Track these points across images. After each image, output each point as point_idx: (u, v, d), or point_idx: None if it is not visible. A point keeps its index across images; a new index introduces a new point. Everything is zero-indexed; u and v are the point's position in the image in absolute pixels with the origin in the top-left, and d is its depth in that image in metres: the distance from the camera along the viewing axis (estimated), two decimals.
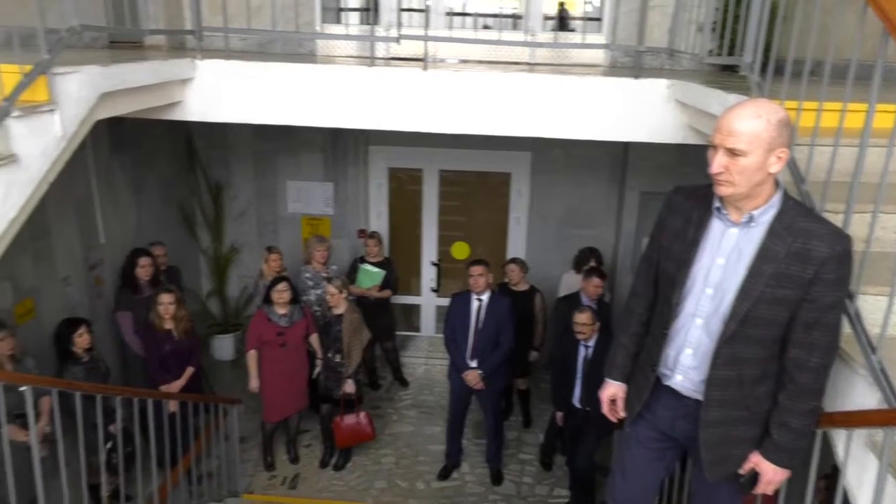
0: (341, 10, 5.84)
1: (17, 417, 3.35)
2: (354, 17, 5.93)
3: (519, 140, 3.89)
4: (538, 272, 6.22)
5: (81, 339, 4.38)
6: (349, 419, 5.31)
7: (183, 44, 5.29)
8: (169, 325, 4.89)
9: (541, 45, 4.82)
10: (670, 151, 5.62)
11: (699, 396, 2.10)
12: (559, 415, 5.13)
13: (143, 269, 5.22)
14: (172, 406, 4.41)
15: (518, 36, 5.34)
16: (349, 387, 5.23)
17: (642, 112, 3.63)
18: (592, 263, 5.73)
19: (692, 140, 3.57)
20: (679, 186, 2.16)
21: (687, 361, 2.10)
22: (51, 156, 2.57)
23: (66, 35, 2.75)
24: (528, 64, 4.54)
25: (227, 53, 3.83)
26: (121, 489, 4.22)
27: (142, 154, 6.00)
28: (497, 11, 4.80)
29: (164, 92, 3.49)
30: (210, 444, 5.19)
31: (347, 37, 4.96)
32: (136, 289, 5.22)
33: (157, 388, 4.73)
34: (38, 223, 4.51)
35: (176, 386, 4.88)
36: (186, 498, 4.52)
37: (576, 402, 4.85)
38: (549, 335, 5.67)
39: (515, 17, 5.82)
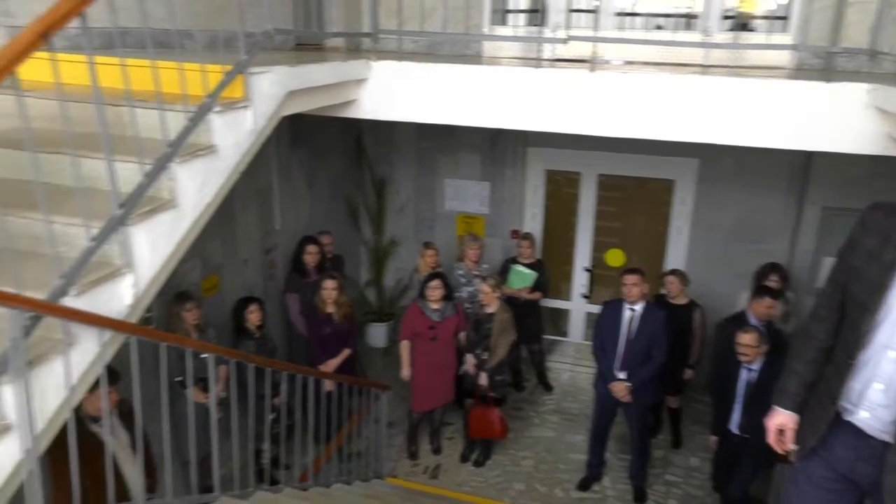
0: (507, 11, 5.89)
1: (199, 381, 3.74)
2: (520, 19, 5.95)
3: (685, 146, 3.68)
4: (699, 286, 5.88)
5: (253, 316, 4.79)
6: (482, 411, 5.37)
7: (359, 46, 5.60)
8: (331, 308, 5.21)
9: (722, 46, 4.54)
10: (862, 163, 5.08)
11: (888, 438, 1.88)
12: (713, 439, 4.82)
13: (311, 256, 5.60)
14: (329, 385, 4.70)
15: (692, 36, 5.09)
16: (483, 380, 5.27)
17: (834, 119, 3.31)
18: (773, 281, 5.26)
19: (893, 152, 3.19)
20: (877, 203, 1.94)
21: (876, 398, 1.88)
22: (242, 148, 2.83)
23: (262, 38, 3.01)
24: (701, 66, 4.30)
25: (400, 55, 4.00)
26: (280, 457, 4.57)
27: (316, 149, 6.44)
28: (670, 11, 4.58)
29: (342, 91, 3.71)
30: (360, 426, 5.46)
31: (516, 38, 4.99)
32: (303, 273, 5.62)
33: (316, 367, 5.06)
34: (225, 209, 4.96)
35: (332, 364, 5.19)
36: (336, 473, 4.79)
37: (733, 427, 4.53)
38: (709, 354, 5.34)
39: (689, 16, 5.53)
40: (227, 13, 2.70)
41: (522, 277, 6.18)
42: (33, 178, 1.97)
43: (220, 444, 3.43)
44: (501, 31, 5.61)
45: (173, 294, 4.33)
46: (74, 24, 2.00)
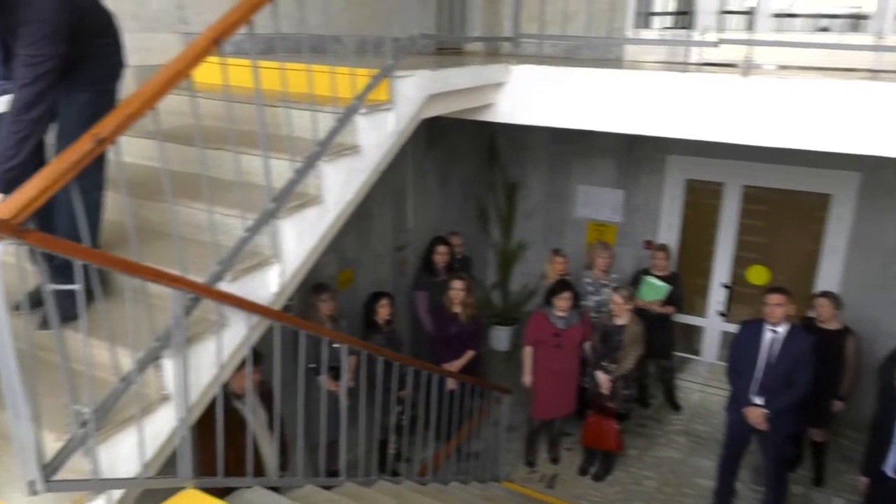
0: (651, 14, 5.69)
1: (331, 370, 3.93)
2: (666, 22, 5.73)
3: (846, 158, 3.36)
4: (853, 311, 5.37)
5: (383, 310, 4.96)
6: (598, 419, 5.22)
7: (498, 50, 5.63)
8: (457, 308, 5.28)
9: None
10: None
11: None
12: (863, 480, 4.38)
13: (440, 256, 5.71)
14: (452, 384, 4.76)
15: (861, 39, 4.67)
16: (605, 387, 5.13)
17: None
18: None
19: None
20: None
21: None
22: (384, 148, 2.94)
23: (407, 42, 3.11)
24: (870, 71, 3.92)
25: (539, 59, 3.98)
26: (402, 451, 4.70)
27: (449, 151, 6.57)
28: (835, 11, 4.22)
29: (479, 94, 3.75)
30: (480, 427, 5.50)
31: (662, 41, 4.81)
32: (432, 272, 5.74)
33: (440, 364, 5.16)
34: (362, 207, 5.17)
35: (456, 365, 5.26)
36: (454, 472, 4.86)
37: (888, 470, 4.10)
38: (864, 386, 4.86)
39: (858, 17, 5.08)
40: (376, 19, 2.82)
41: (655, 290, 5.94)
42: (200, 171, 2.16)
43: (348, 432, 3.58)
44: (645, 34, 5.43)
45: (311, 285, 4.57)
46: (242, 31, 2.17)
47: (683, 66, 3.64)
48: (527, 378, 5.35)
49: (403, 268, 6.07)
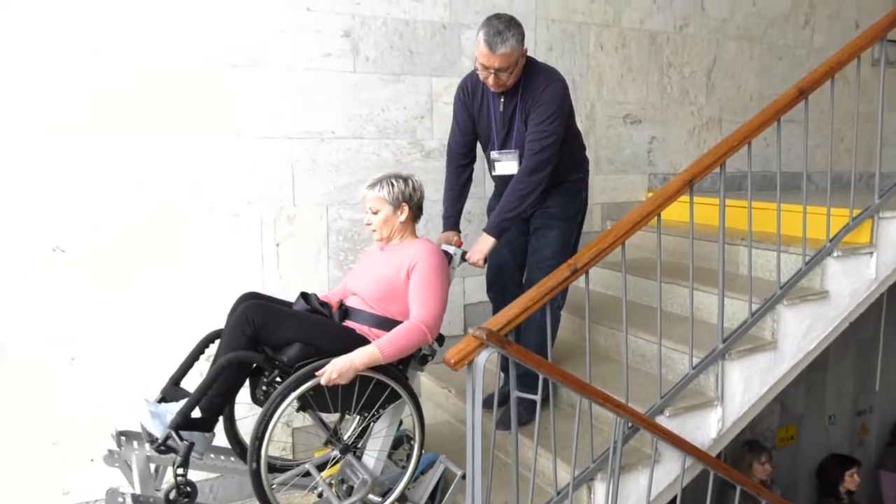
0: None
1: None
2: None
3: None
4: None
5: (851, 480, 4.21)
6: None
7: None
8: None
9: None
10: None
11: None
12: None
13: None
14: None
15: None
16: None
17: None
18: None
19: None
20: None
21: None
22: (859, 297, 2.57)
23: None
24: None
25: None
26: None
27: None
28: None
29: None
30: None
31: None
32: None
33: None
34: (818, 357, 4.59)
35: None
36: None
37: None
38: None
39: None
40: (858, 154, 2.54)
41: None
42: (654, 304, 2.21)
43: None
44: None
45: (744, 440, 4.14)
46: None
47: None
48: None
49: (863, 436, 5.06)
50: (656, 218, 2.10)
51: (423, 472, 2.24)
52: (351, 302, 2.13)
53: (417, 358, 2.10)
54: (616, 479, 2.06)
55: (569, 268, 1.96)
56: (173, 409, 1.87)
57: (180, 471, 1.76)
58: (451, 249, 2.30)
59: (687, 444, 2.20)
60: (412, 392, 2.04)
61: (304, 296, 2.11)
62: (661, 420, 2.19)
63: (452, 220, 2.43)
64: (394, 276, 2.05)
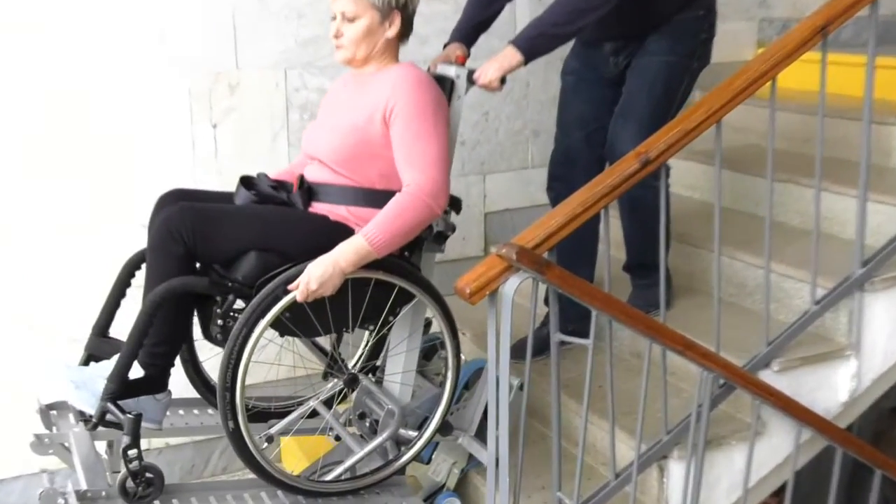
0: None
1: None
2: None
3: None
4: None
5: None
6: None
7: None
8: None
9: None
10: None
11: None
12: None
13: None
14: None
15: None
16: None
17: None
18: None
19: None
20: None
21: None
22: None
23: None
24: None
25: None
26: None
27: None
28: None
29: None
30: None
31: None
32: None
33: None
34: None
35: None
36: None
37: None
38: None
39: None
40: None
41: None
42: (759, 211, 1.62)
43: None
44: None
45: (892, 406, 3.38)
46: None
47: None
48: None
49: None
50: (769, 84, 1.48)
51: (466, 387, 1.73)
52: (312, 173, 1.54)
53: (430, 237, 1.54)
54: (700, 458, 1.52)
55: (637, 157, 1.38)
56: (105, 370, 1.41)
57: (132, 453, 1.33)
58: (452, 70, 1.58)
59: (804, 409, 1.63)
60: (428, 284, 1.52)
61: (245, 181, 1.52)
62: (767, 376, 1.64)
63: (462, 32, 1.72)
64: (365, 124, 1.45)
